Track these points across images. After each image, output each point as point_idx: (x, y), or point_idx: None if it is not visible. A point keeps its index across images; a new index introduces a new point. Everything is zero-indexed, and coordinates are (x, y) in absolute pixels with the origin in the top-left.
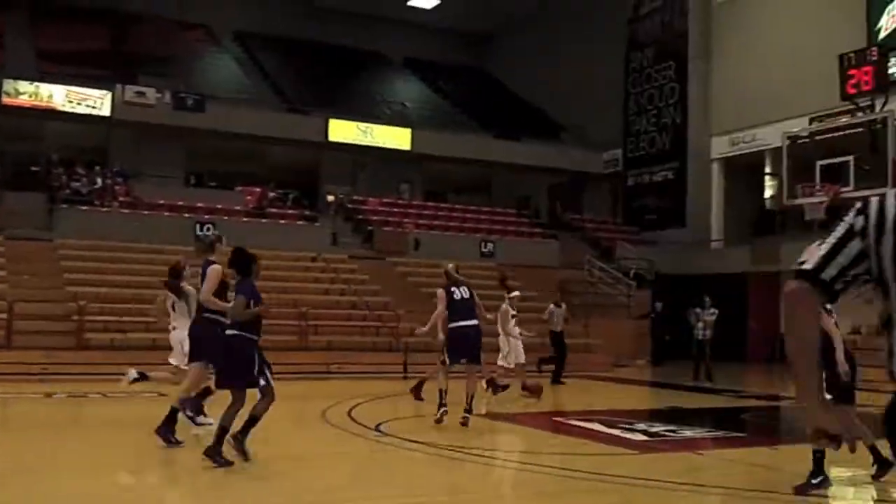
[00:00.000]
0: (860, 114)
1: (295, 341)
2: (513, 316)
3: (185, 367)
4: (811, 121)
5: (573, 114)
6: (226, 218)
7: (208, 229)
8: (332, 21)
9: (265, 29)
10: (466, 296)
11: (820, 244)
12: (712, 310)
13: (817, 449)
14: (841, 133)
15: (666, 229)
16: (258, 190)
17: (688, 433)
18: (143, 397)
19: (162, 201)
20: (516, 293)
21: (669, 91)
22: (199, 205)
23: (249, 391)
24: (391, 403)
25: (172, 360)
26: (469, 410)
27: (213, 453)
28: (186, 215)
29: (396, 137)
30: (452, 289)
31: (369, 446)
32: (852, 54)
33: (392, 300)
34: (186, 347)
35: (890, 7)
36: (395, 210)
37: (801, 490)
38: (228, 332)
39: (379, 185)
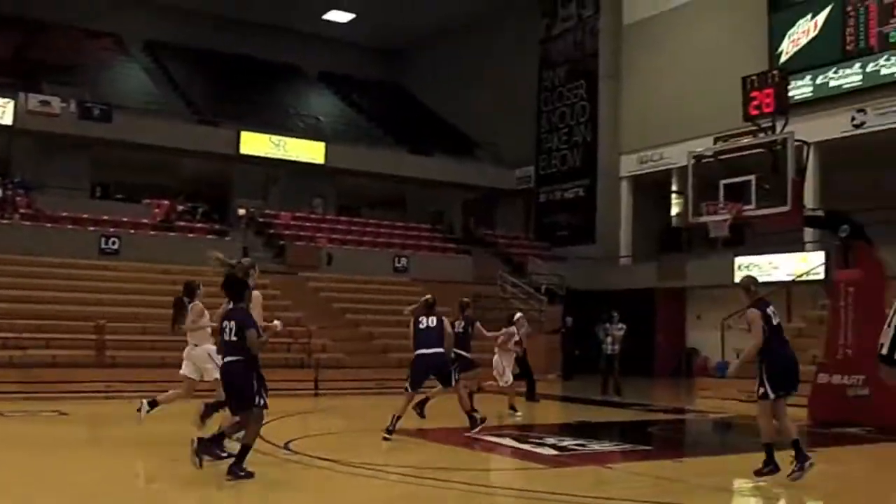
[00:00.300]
0: (762, 135)
1: None
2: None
3: (211, 379)
4: (715, 141)
5: (487, 130)
6: (132, 231)
7: (114, 243)
8: (246, 33)
9: (177, 39)
10: (433, 325)
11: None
12: (620, 325)
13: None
14: (744, 153)
15: (576, 245)
16: (166, 203)
17: (596, 447)
18: (42, 416)
19: (66, 214)
20: (520, 314)
21: (580, 109)
22: (105, 217)
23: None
24: (301, 421)
25: (188, 373)
26: (476, 420)
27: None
28: (91, 228)
29: (310, 151)
30: (421, 318)
31: (278, 464)
32: (755, 77)
33: (304, 316)
34: (217, 360)
35: (790, 32)
36: (308, 224)
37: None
38: (226, 360)
39: (292, 199)
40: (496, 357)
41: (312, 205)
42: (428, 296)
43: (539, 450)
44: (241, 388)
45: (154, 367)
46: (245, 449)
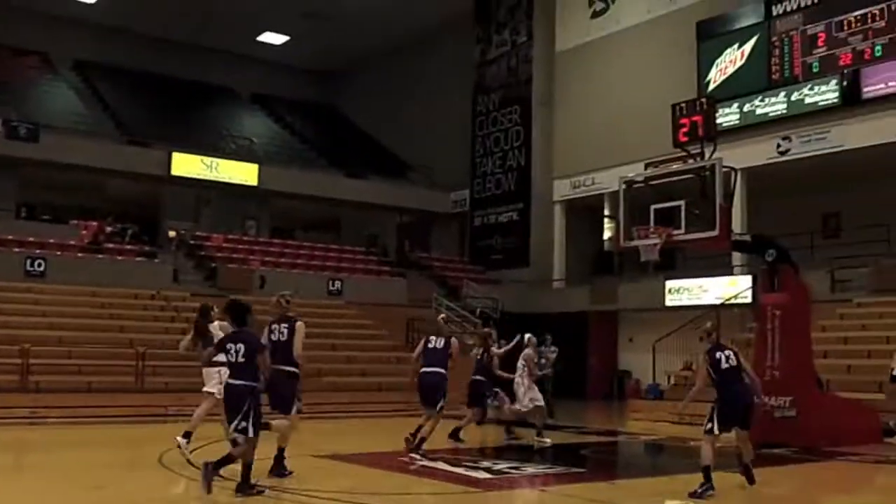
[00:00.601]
0: (691, 161)
1: (130, 383)
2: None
3: None
4: (646, 166)
5: (422, 153)
6: (59, 253)
7: (39, 265)
8: (179, 54)
9: (108, 59)
10: (440, 346)
11: None
12: (553, 347)
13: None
14: (673, 179)
15: (511, 268)
16: (94, 224)
17: (530, 470)
18: None
19: None
20: (529, 335)
21: (515, 134)
22: (31, 239)
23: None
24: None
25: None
26: (416, 447)
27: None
28: (16, 250)
29: (243, 173)
30: (431, 337)
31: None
32: (684, 104)
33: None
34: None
35: (718, 61)
36: (241, 247)
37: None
38: (230, 381)
39: (224, 220)
40: (517, 381)
41: (245, 227)
42: (442, 315)
43: (473, 473)
44: (237, 408)
45: (80, 391)
46: (246, 468)
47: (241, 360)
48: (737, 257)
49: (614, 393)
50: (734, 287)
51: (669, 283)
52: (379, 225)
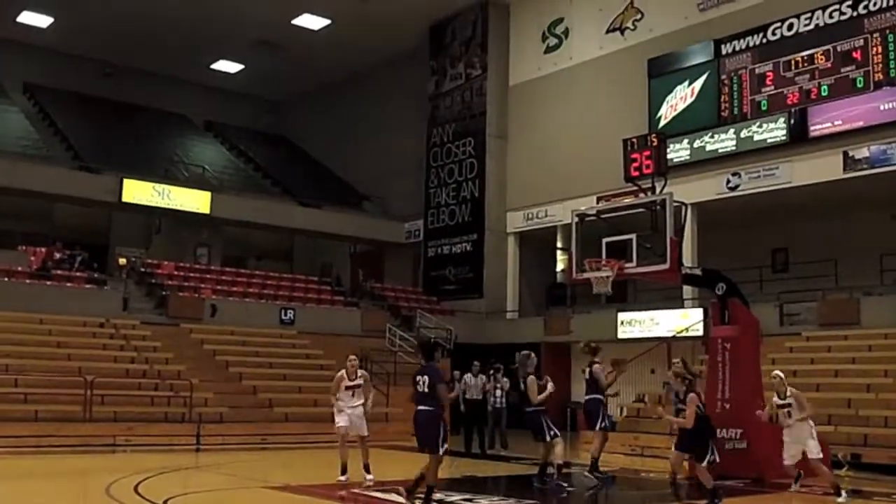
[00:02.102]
0: (642, 195)
1: (78, 412)
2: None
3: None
4: (598, 200)
5: (376, 184)
6: (6, 279)
7: None
8: (132, 81)
9: (59, 84)
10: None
11: None
12: (505, 378)
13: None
14: (625, 212)
15: (464, 299)
16: (42, 250)
17: (484, 502)
18: None
19: None
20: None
21: (469, 166)
22: None
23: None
24: (182, 477)
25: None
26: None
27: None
28: None
29: (195, 200)
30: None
31: None
32: (635, 139)
33: (186, 368)
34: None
35: (669, 97)
36: (192, 275)
37: None
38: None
39: (175, 248)
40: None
41: (197, 255)
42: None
43: None
44: (428, 434)
45: (27, 420)
46: (430, 489)
47: (426, 389)
48: (688, 290)
49: (567, 424)
50: (686, 320)
51: (622, 316)
52: (333, 254)
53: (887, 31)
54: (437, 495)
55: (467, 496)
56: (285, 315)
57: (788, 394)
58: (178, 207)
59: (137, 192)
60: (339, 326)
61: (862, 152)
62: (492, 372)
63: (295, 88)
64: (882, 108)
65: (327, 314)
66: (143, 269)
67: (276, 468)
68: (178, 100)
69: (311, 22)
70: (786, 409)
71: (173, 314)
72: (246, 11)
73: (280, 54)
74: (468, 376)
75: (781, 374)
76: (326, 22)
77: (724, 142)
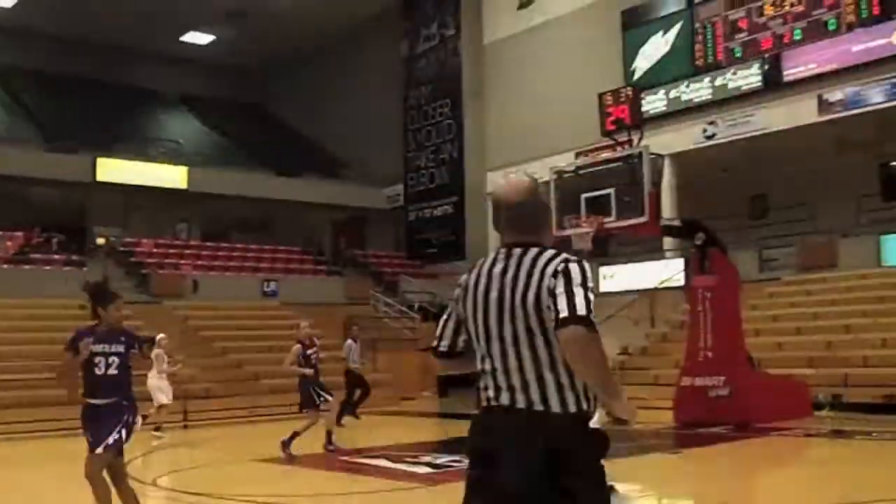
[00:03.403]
0: (619, 149)
1: (63, 395)
2: None
3: None
4: (577, 156)
5: (355, 150)
6: None
7: None
8: (102, 57)
9: (28, 63)
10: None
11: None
12: None
13: None
14: (603, 167)
15: (447, 262)
16: (20, 234)
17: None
18: None
19: None
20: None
21: (447, 128)
22: None
23: None
24: (170, 455)
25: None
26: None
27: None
28: None
29: (172, 176)
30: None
31: (145, 502)
32: (610, 93)
33: (170, 346)
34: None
35: (643, 49)
36: (172, 251)
37: None
38: None
39: (154, 225)
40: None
41: (176, 231)
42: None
43: (415, 469)
44: None
45: (11, 407)
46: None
47: None
48: (668, 242)
49: None
50: (667, 271)
51: (603, 270)
52: (314, 223)
53: None
54: (426, 458)
55: (456, 458)
56: (268, 287)
57: None
58: (155, 184)
59: (112, 170)
60: (323, 296)
61: (836, 95)
62: None
63: (269, 58)
64: (854, 49)
65: (310, 284)
66: (122, 249)
67: (263, 440)
68: (150, 75)
69: None
70: None
71: (155, 292)
72: None
73: (251, 23)
74: None
75: None
76: None
77: (699, 91)
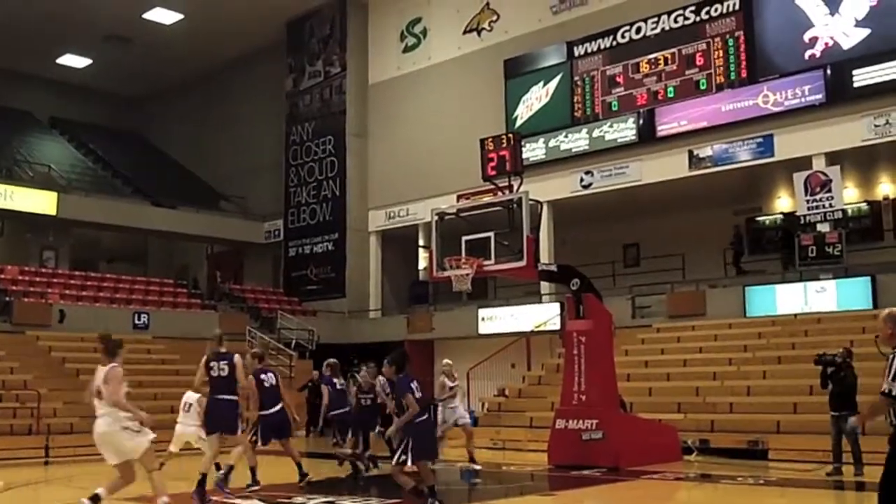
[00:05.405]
0: (500, 193)
1: None
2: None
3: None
4: (458, 198)
5: (234, 183)
6: None
7: None
8: None
9: None
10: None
11: None
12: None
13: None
14: (483, 211)
15: (327, 299)
16: None
17: (346, 502)
18: None
19: None
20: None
21: (329, 165)
22: None
23: None
24: (32, 492)
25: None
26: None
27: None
28: None
29: (40, 201)
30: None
31: None
32: (492, 139)
33: (33, 378)
34: None
35: (525, 98)
36: (38, 279)
37: None
38: None
39: (20, 252)
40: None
41: (43, 258)
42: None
43: None
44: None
45: None
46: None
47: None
48: (545, 286)
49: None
50: (544, 315)
51: (482, 312)
52: (189, 256)
53: (727, 36)
54: (299, 498)
55: (330, 499)
56: (139, 319)
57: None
58: (22, 209)
59: None
60: (196, 330)
61: (706, 151)
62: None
63: (149, 85)
64: (724, 108)
65: (183, 318)
66: None
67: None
68: (21, 95)
69: (162, 16)
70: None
71: (18, 321)
72: (94, 3)
73: (131, 49)
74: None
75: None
76: (179, 16)
77: (577, 141)
